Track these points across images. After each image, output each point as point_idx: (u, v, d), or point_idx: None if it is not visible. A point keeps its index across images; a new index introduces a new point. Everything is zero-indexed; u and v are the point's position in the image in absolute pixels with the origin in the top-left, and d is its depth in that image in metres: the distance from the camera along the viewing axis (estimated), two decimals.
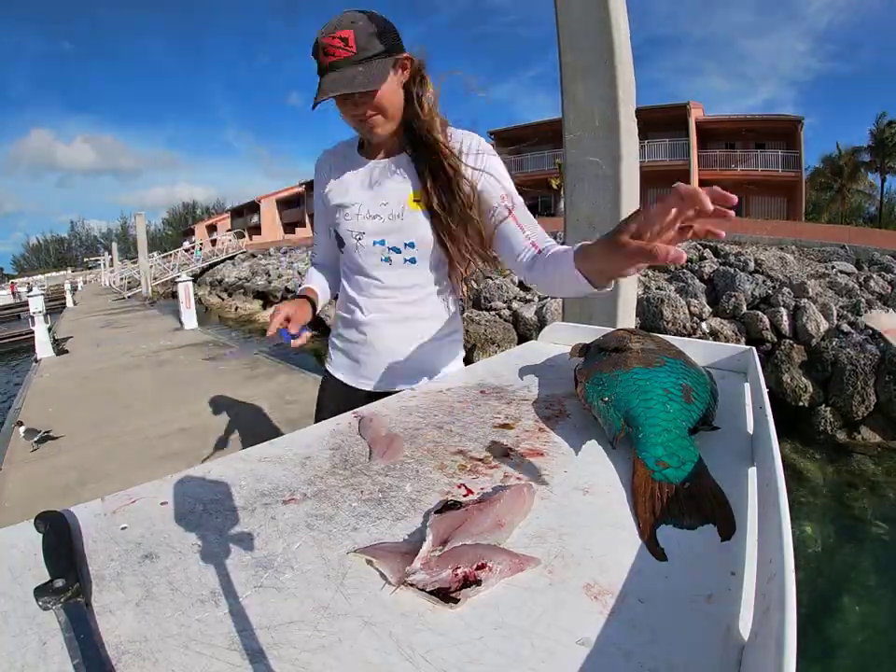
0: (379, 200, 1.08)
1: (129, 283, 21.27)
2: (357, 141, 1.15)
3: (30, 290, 10.03)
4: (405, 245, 1.09)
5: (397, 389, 1.10)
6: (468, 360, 1.31)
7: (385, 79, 0.95)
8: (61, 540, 0.51)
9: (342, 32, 0.92)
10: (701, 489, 0.58)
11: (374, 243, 1.10)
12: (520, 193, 1.08)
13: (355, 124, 1.02)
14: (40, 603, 0.43)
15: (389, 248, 1.10)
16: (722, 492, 0.57)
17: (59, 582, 0.44)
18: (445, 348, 1.22)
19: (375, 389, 1.20)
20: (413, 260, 1.11)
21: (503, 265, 1.10)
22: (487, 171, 1.05)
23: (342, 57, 0.92)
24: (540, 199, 23.05)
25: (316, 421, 1.17)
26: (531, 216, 1.04)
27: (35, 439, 3.59)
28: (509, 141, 24.06)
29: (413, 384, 1.15)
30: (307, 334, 1.08)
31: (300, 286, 1.25)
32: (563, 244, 0.97)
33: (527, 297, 9.48)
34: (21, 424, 3.74)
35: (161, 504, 0.59)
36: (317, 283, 1.28)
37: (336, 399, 1.24)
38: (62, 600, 0.43)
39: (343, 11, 0.95)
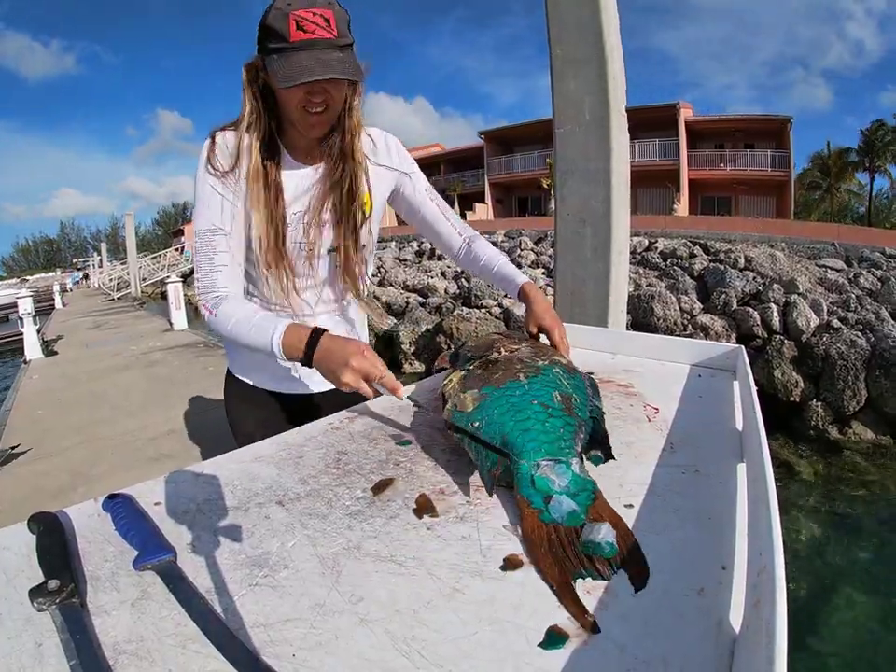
0: (325, 206, 0.99)
1: (118, 284, 21.03)
2: (261, 135, 0.92)
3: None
4: (339, 247, 1.04)
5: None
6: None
7: (362, 75, 0.85)
8: (55, 541, 0.51)
9: (322, 10, 0.80)
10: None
11: (329, 251, 1.03)
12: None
13: (300, 116, 0.87)
14: (35, 604, 0.43)
15: (335, 254, 1.04)
16: (626, 525, 0.50)
17: (53, 584, 0.44)
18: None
19: (320, 390, 1.13)
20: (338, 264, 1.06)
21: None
22: (405, 170, 1.08)
23: (322, 37, 0.79)
24: (531, 198, 23.09)
25: (240, 439, 1.16)
26: (447, 204, 1.15)
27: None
28: (498, 141, 24.11)
29: None
30: None
31: (270, 329, 0.86)
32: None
33: None
34: None
35: (155, 504, 0.59)
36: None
37: (266, 409, 1.18)
38: (57, 601, 0.43)
39: None
